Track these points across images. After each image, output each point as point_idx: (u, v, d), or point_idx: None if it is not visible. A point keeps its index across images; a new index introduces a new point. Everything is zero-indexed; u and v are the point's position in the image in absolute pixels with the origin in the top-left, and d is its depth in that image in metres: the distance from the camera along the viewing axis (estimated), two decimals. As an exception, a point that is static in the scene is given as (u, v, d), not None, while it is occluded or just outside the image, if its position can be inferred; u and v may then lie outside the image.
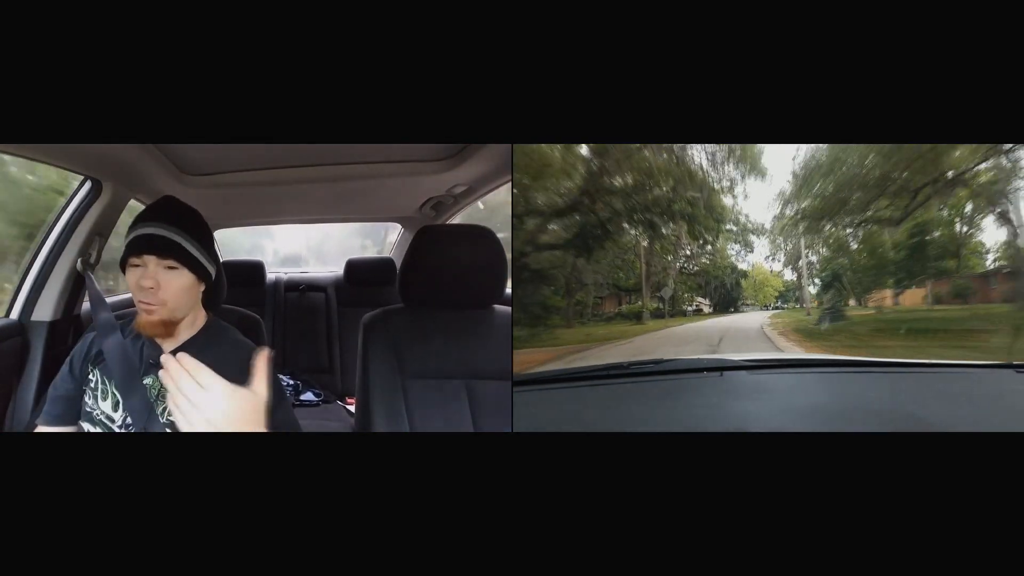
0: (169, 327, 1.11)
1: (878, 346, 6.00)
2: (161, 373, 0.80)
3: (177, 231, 1.10)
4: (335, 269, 3.26)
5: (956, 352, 4.57)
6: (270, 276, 3.13)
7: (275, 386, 1.15)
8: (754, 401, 1.05)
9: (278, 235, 4.10)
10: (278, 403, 1.12)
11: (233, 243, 3.48)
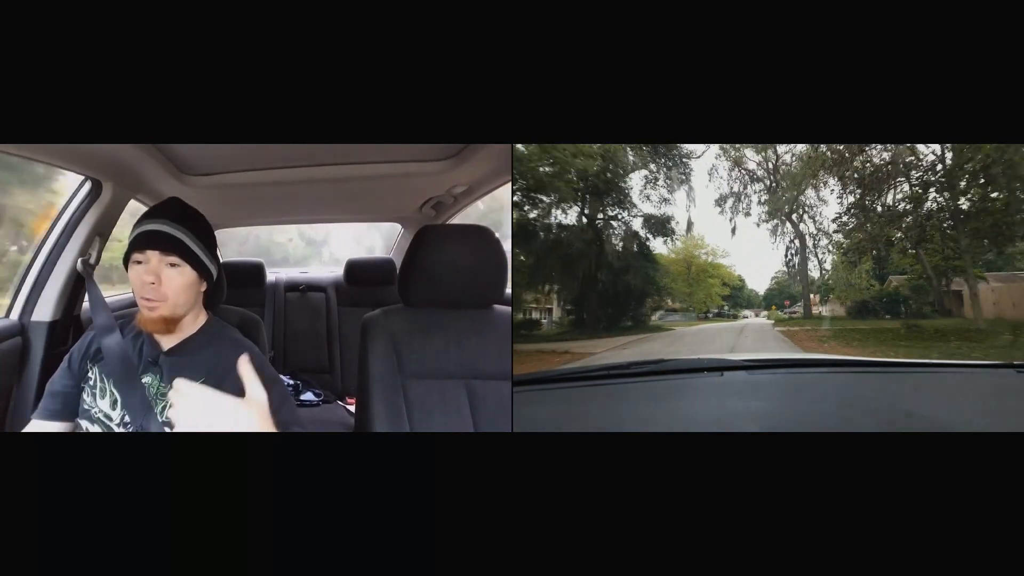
0: (170, 324, 1.12)
1: None
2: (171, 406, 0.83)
3: (181, 229, 1.11)
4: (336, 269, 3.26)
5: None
6: (270, 276, 3.12)
7: (279, 386, 1.16)
8: (754, 401, 1.05)
9: (332, 241, 4.24)
10: (282, 403, 1.12)
11: (287, 247, 3.45)
